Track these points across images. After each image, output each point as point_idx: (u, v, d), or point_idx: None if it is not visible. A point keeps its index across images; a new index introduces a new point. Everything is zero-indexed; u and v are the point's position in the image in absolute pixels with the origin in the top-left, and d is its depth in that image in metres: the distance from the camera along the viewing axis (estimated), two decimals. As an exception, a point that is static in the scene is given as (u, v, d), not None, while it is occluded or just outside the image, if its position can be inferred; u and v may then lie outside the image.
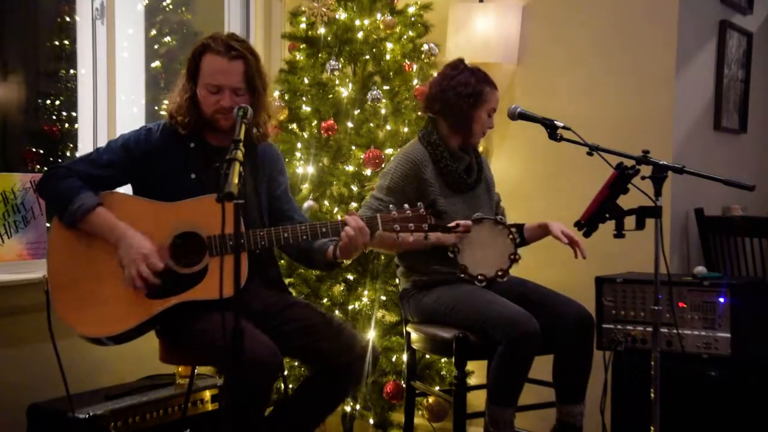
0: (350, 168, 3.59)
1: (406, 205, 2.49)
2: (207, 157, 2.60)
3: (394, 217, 2.47)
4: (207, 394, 3.16)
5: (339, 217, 3.55)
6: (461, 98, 3.03)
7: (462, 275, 2.89)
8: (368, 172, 3.54)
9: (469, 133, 3.07)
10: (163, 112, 2.69)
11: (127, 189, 2.70)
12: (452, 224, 2.70)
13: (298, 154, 3.68)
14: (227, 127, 2.57)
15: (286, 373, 3.43)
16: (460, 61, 3.14)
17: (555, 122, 2.72)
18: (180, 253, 2.49)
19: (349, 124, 3.65)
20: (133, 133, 2.65)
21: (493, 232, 2.91)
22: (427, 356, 3.53)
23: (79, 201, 2.46)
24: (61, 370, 2.59)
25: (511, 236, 2.88)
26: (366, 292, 3.53)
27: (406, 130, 3.61)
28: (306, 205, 3.51)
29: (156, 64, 4.08)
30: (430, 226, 2.47)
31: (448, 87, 3.05)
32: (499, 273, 2.88)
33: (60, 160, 3.66)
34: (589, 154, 2.61)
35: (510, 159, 3.68)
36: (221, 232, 2.04)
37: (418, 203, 2.49)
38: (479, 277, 2.88)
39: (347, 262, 2.67)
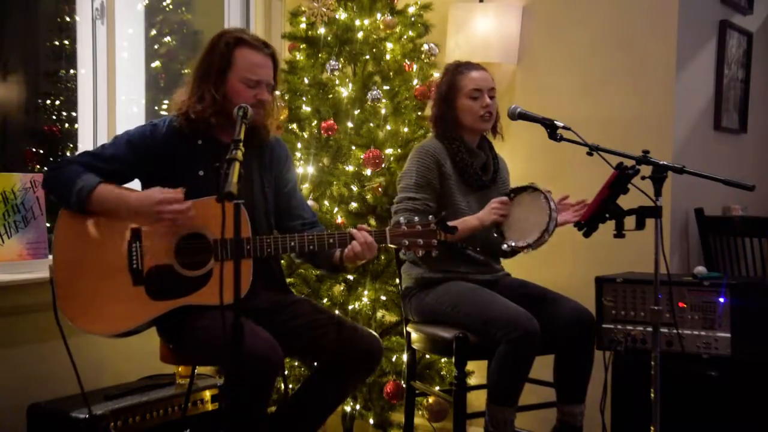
0: (350, 168, 3.59)
1: (416, 218, 2.49)
2: (216, 153, 2.56)
3: (403, 232, 2.47)
4: (207, 394, 3.16)
5: (339, 218, 3.55)
6: (441, 102, 3.09)
7: (509, 250, 2.91)
8: (368, 172, 3.54)
9: (461, 126, 3.07)
10: (163, 112, 2.68)
11: (135, 185, 2.68)
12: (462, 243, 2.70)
13: (298, 154, 3.68)
14: (261, 121, 2.60)
15: (286, 373, 3.44)
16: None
17: (555, 122, 2.72)
18: (185, 255, 2.49)
19: (349, 124, 3.65)
20: (138, 128, 2.65)
21: (529, 200, 2.95)
22: (427, 356, 3.53)
23: (81, 182, 2.45)
24: (72, 363, 2.58)
25: (546, 197, 2.90)
26: (366, 292, 3.53)
27: (406, 130, 3.61)
28: (306, 205, 3.51)
29: (156, 64, 4.08)
30: (439, 242, 2.46)
31: (434, 101, 3.15)
32: (543, 233, 2.88)
33: (60, 161, 3.66)
34: (589, 154, 2.60)
35: (510, 159, 3.66)
36: (228, 237, 2.02)
37: (429, 216, 2.49)
38: (524, 244, 2.90)
39: (352, 267, 2.67)
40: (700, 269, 3.14)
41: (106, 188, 2.47)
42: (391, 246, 2.49)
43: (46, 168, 2.62)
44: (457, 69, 3.10)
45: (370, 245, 2.47)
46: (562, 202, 3.04)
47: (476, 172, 3.08)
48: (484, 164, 3.14)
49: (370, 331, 2.65)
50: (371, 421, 3.56)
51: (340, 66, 3.66)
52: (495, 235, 2.95)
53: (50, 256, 2.75)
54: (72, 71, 3.67)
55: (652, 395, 2.51)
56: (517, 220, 2.94)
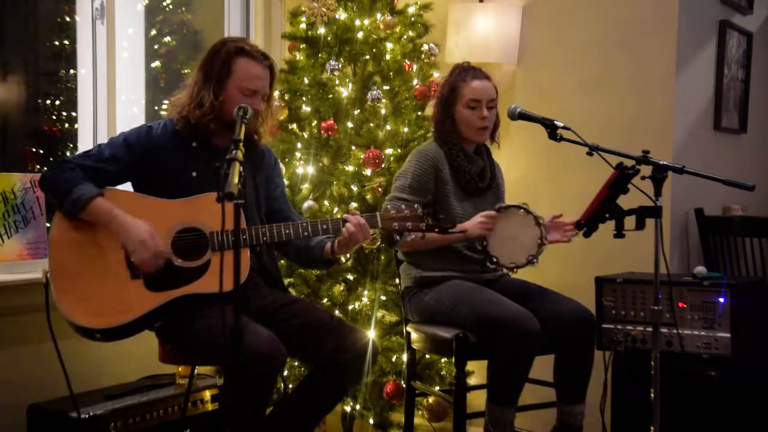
0: (350, 168, 3.59)
1: (403, 206, 2.61)
2: (209, 156, 2.61)
3: (392, 216, 2.58)
4: (207, 394, 3.16)
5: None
6: (442, 104, 3.09)
7: (494, 266, 2.94)
8: (368, 172, 3.54)
9: (458, 133, 3.07)
10: (163, 113, 2.70)
11: (126, 187, 2.70)
12: (449, 224, 2.72)
13: (298, 154, 3.68)
14: (253, 129, 2.68)
15: (286, 373, 3.44)
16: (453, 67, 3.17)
17: (555, 122, 2.72)
18: (182, 249, 2.51)
19: (349, 124, 3.65)
20: (133, 130, 2.68)
21: (519, 219, 2.94)
22: (427, 356, 3.53)
23: (79, 191, 2.48)
24: (63, 367, 2.58)
25: (537, 222, 2.91)
26: (366, 292, 3.53)
27: (406, 130, 3.61)
28: (306, 205, 3.51)
29: (156, 64, 4.09)
30: (427, 225, 2.56)
31: (435, 101, 3.13)
32: (530, 258, 2.91)
33: (60, 162, 3.67)
34: (589, 154, 2.60)
35: (510, 159, 3.67)
36: (223, 229, 2.05)
37: (415, 204, 2.59)
38: (511, 265, 2.92)
39: (344, 258, 2.72)
40: (700, 269, 3.14)
41: (100, 204, 2.49)
42: (383, 231, 2.60)
43: (45, 169, 2.63)
44: (461, 74, 3.08)
45: (363, 227, 2.56)
46: (555, 221, 3.03)
47: (473, 178, 3.07)
48: (481, 170, 3.13)
49: (367, 332, 2.66)
50: (371, 421, 3.56)
51: (340, 66, 3.66)
52: (479, 247, 2.94)
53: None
54: (72, 71, 3.67)
55: (652, 395, 2.51)
56: (506, 236, 2.93)
